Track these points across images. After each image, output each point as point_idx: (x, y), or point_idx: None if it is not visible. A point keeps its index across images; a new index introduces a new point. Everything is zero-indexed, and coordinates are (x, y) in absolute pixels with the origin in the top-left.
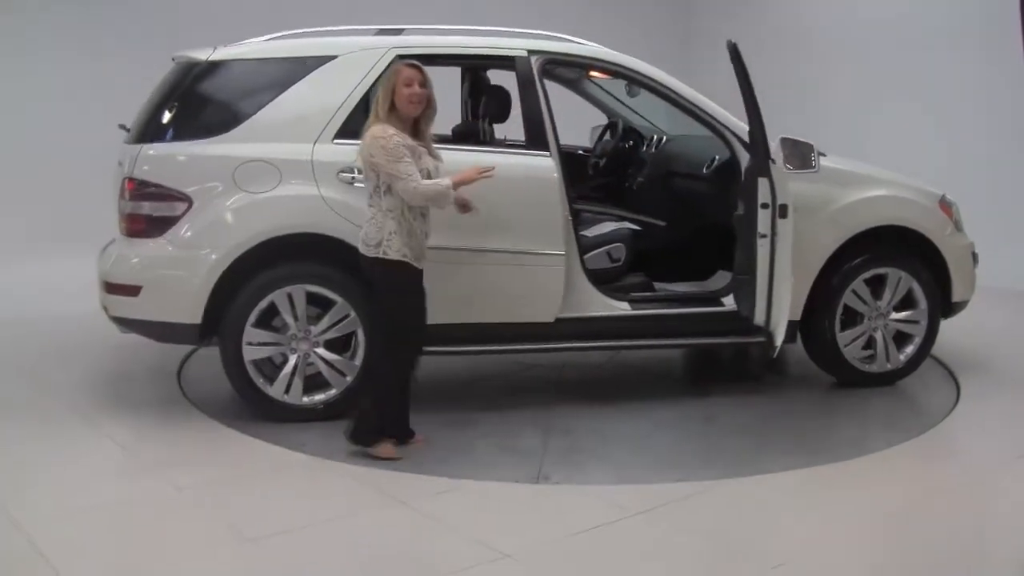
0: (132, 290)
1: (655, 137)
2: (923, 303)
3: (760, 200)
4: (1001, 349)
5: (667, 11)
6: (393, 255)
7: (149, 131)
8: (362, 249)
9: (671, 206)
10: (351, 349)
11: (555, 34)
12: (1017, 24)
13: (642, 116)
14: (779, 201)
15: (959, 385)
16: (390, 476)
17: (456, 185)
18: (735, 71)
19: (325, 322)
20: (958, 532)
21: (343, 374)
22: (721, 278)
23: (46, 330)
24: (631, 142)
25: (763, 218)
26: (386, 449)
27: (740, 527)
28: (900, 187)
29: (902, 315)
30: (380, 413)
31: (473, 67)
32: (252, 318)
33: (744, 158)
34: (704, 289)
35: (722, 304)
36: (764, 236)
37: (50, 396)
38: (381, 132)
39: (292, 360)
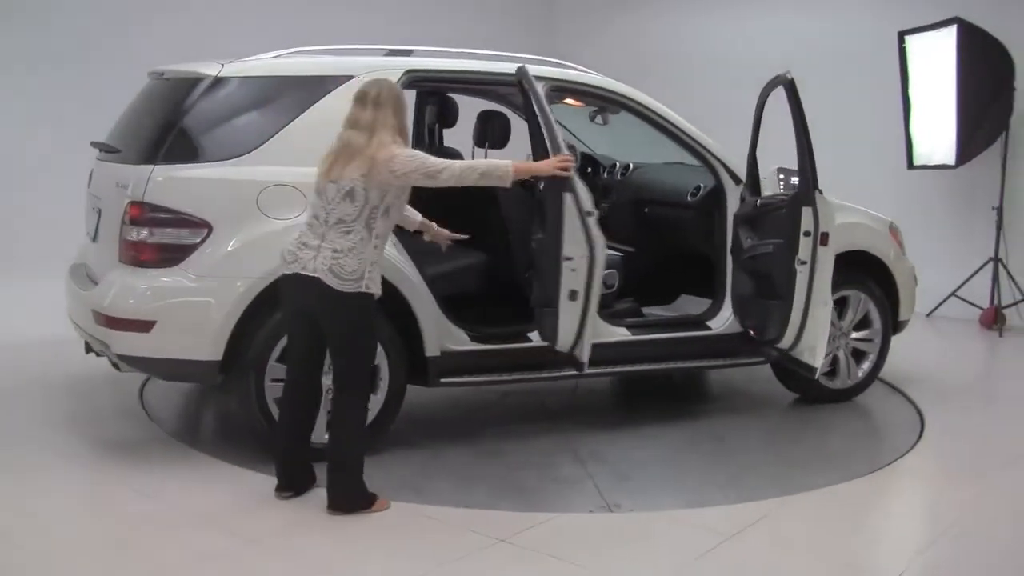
0: (143, 325)
1: (618, 165)
2: (877, 323)
3: (803, 228)
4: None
5: (530, 34)
6: (374, 289)
7: (156, 151)
8: (333, 282)
9: (639, 233)
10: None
11: (558, 61)
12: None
13: (584, 143)
14: (821, 229)
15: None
16: (463, 514)
17: (520, 172)
18: (790, 104)
19: None
20: None
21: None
22: (685, 302)
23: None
24: (588, 169)
25: (804, 246)
26: (377, 505)
27: (838, 539)
28: (861, 214)
29: (860, 334)
30: (353, 465)
31: (480, 91)
32: (276, 353)
33: (730, 187)
34: (672, 312)
35: (709, 328)
36: (804, 263)
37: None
38: (396, 151)
39: None
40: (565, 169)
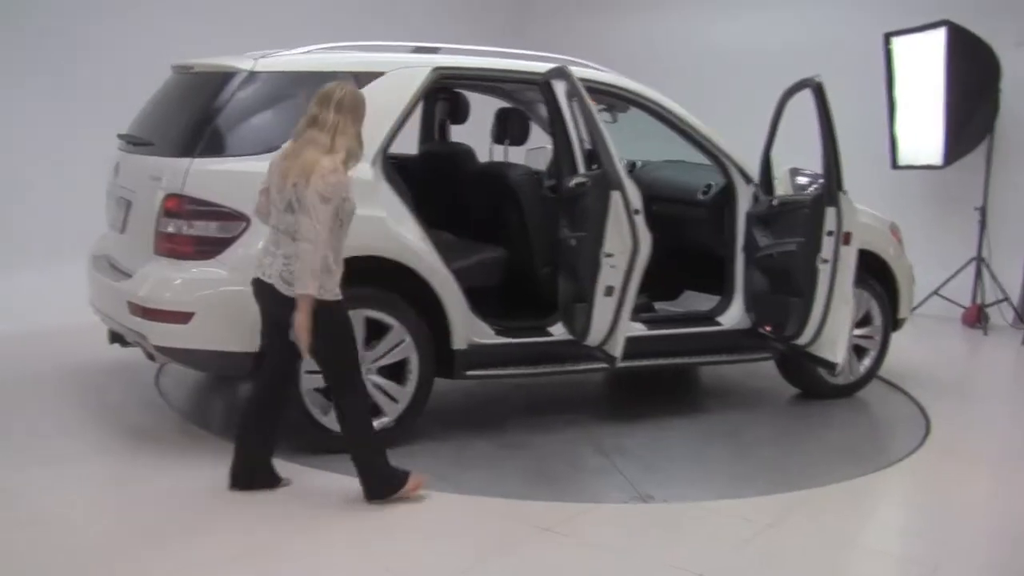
0: (182, 317)
1: (624, 162)
2: (878, 320)
3: (826, 228)
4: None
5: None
6: (327, 296)
7: (194, 144)
8: (284, 289)
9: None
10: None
11: (577, 60)
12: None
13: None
14: (844, 229)
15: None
16: (502, 504)
17: (306, 304)
18: (817, 108)
19: (381, 347)
20: None
21: (396, 400)
22: (690, 298)
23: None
24: (594, 166)
25: (827, 245)
26: (413, 481)
27: (871, 530)
28: (864, 214)
29: (861, 331)
30: (375, 454)
31: (504, 89)
32: None
33: (740, 186)
34: (678, 309)
35: (719, 324)
36: (826, 261)
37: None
38: (331, 166)
39: None
40: (298, 343)
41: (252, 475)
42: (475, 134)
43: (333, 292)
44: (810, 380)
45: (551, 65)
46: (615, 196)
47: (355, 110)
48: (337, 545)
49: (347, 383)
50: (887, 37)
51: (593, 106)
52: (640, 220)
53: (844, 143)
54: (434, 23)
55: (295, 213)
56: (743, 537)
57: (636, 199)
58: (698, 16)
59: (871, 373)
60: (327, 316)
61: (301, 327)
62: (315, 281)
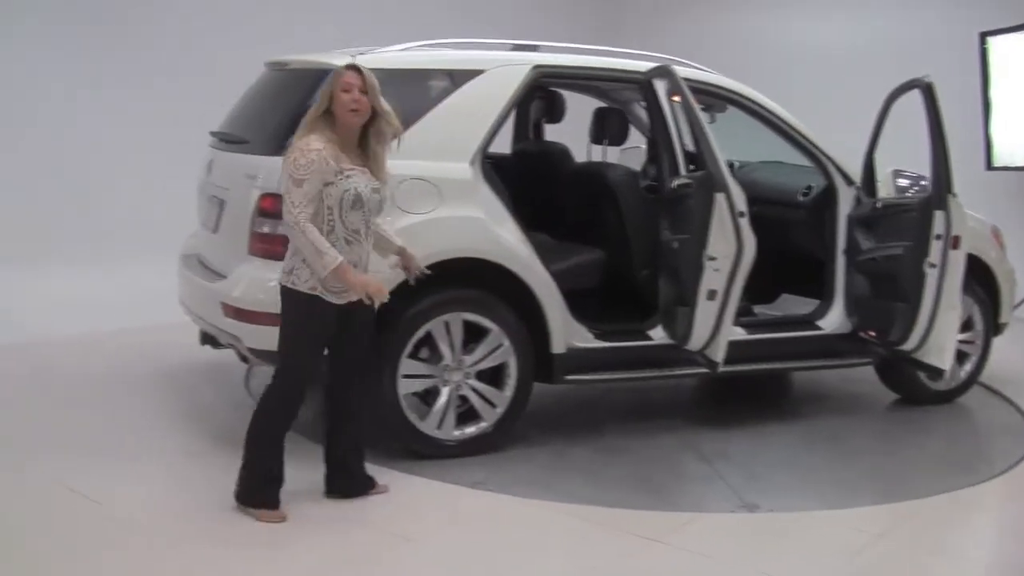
0: (276, 319)
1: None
2: (980, 324)
3: (935, 232)
4: None
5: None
6: (301, 286)
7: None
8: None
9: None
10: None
11: (676, 58)
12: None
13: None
14: (953, 233)
15: None
16: (606, 513)
17: (341, 273)
18: (926, 109)
19: (480, 351)
20: None
21: (494, 405)
22: (787, 301)
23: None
24: (692, 166)
25: (935, 249)
26: (271, 515)
27: (984, 541)
28: (968, 217)
29: (963, 336)
30: (261, 457)
31: (603, 88)
32: (408, 348)
33: (841, 188)
34: (776, 312)
35: (820, 328)
36: (934, 266)
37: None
38: (303, 145)
39: (445, 392)
40: (372, 297)
41: (348, 483)
42: (567, 133)
43: (307, 284)
44: (910, 386)
45: (651, 64)
46: (719, 198)
47: (324, 86)
48: (440, 556)
49: (282, 374)
50: (982, 36)
51: (697, 107)
52: (745, 222)
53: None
54: (525, 21)
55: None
56: (854, 548)
57: (741, 201)
58: (790, 15)
59: (972, 379)
60: (290, 304)
61: (361, 285)
62: (327, 255)
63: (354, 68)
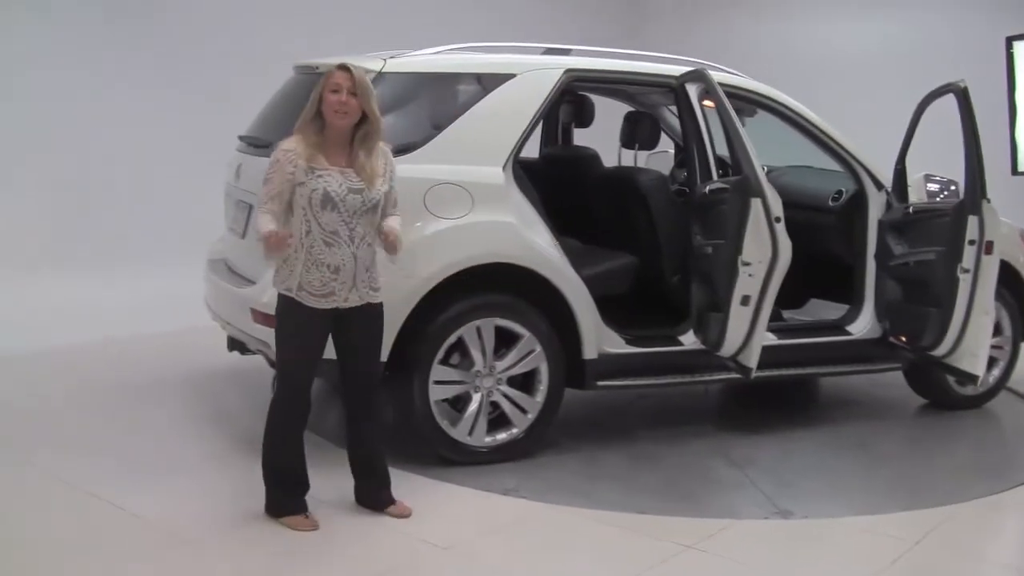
0: None
1: None
2: (1008, 329)
3: (968, 237)
4: None
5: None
6: (280, 287)
7: None
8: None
9: None
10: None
11: (706, 62)
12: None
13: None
14: (986, 238)
15: None
16: (639, 520)
17: (266, 240)
18: (961, 114)
19: (511, 357)
20: None
21: (525, 412)
22: (816, 306)
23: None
24: (721, 171)
25: (968, 254)
26: (302, 521)
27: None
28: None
29: (992, 341)
30: (268, 470)
31: (631, 92)
32: (440, 354)
33: (871, 192)
34: (805, 317)
35: (849, 333)
36: (967, 271)
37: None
38: (280, 145)
39: (476, 399)
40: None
41: (372, 492)
42: (594, 137)
43: (284, 285)
44: (939, 390)
45: (683, 68)
46: (755, 203)
47: (315, 87)
48: (478, 566)
49: (279, 379)
50: (1009, 41)
51: (733, 111)
52: (781, 228)
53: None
54: (545, 25)
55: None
56: (891, 555)
57: (777, 206)
58: (813, 19)
59: (1000, 384)
60: (277, 306)
61: (264, 236)
62: (260, 231)
63: (344, 68)
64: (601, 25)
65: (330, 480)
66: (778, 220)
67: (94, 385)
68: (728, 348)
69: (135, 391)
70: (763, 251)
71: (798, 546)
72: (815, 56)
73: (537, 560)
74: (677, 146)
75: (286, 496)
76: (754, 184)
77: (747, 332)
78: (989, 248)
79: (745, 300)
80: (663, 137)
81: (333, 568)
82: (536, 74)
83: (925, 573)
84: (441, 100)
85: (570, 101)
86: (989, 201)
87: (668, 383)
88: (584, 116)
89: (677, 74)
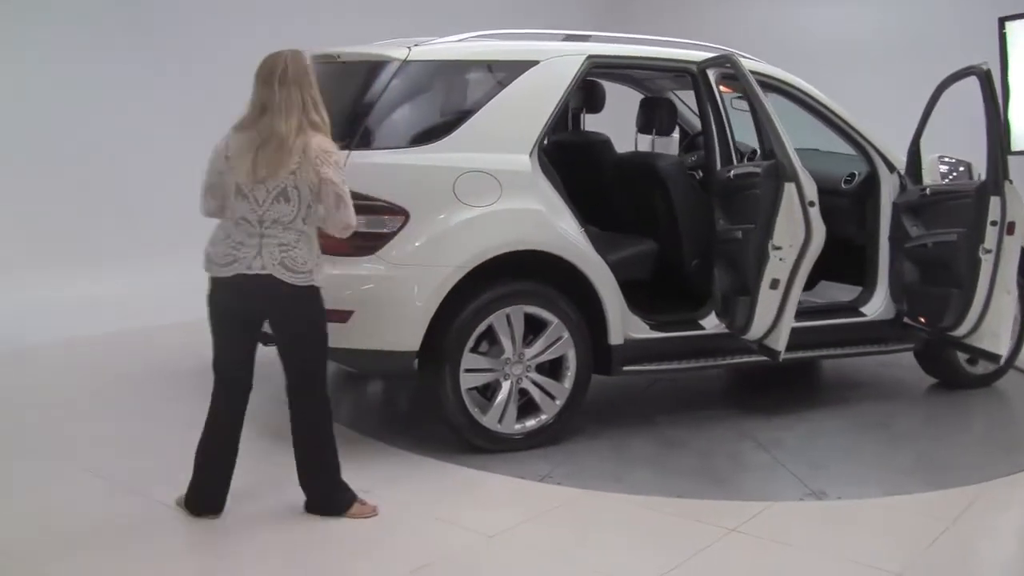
0: (340, 316)
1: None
2: (1017, 310)
3: (990, 218)
4: None
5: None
6: (320, 281)
7: (350, 137)
8: (285, 276)
9: None
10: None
11: (714, 46)
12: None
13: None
14: (1008, 219)
15: None
16: (678, 504)
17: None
18: (984, 96)
19: (540, 344)
20: None
21: (554, 398)
22: (827, 288)
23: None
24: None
25: (991, 235)
26: (360, 509)
27: None
28: None
29: None
30: (333, 464)
31: (640, 77)
32: (471, 343)
33: (884, 174)
34: (816, 299)
35: (863, 314)
36: (989, 252)
37: None
38: (330, 145)
39: (505, 386)
40: None
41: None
42: (598, 122)
43: (322, 276)
44: (950, 370)
45: (699, 54)
46: (789, 188)
47: (301, 77)
48: (527, 553)
49: (322, 378)
50: (1001, 21)
51: (763, 95)
52: (815, 212)
53: (956, 129)
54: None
55: (288, 202)
56: (931, 534)
57: (811, 190)
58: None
59: (1009, 363)
60: (311, 298)
61: None
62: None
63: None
64: (585, 11)
65: (353, 472)
66: (812, 204)
67: (113, 378)
68: (755, 331)
69: (152, 382)
70: (795, 235)
71: (838, 527)
72: (806, 40)
73: (586, 548)
74: (682, 131)
75: (336, 487)
76: (788, 169)
77: (775, 315)
78: (1011, 229)
79: (775, 284)
80: None
81: (384, 557)
82: (559, 61)
83: (970, 551)
84: (466, 89)
85: (581, 87)
86: (1011, 182)
87: (691, 367)
88: (595, 101)
89: (696, 59)
